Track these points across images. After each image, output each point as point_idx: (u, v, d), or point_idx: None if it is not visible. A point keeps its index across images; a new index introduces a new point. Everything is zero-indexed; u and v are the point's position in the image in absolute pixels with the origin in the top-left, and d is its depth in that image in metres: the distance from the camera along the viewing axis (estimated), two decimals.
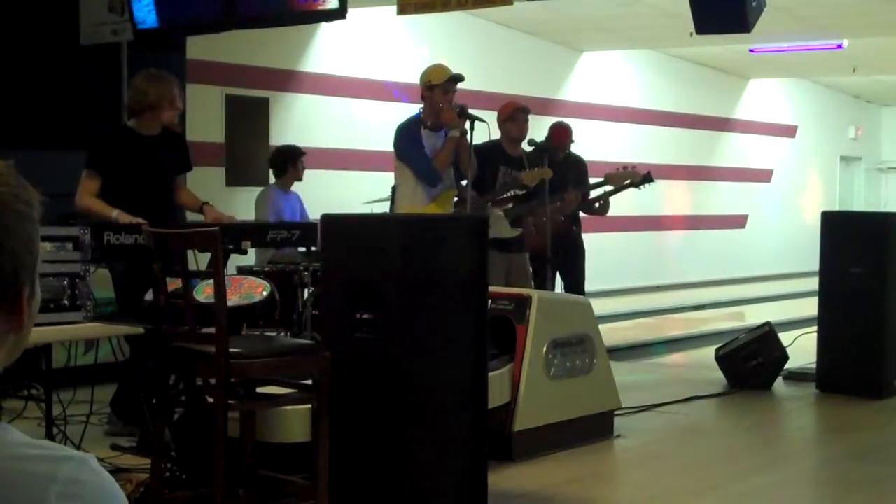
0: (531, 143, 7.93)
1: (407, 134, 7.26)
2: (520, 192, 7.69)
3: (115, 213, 5.96)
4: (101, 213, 6.01)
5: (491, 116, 7.72)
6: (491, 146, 7.66)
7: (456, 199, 7.37)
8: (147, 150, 6.33)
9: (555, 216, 8.12)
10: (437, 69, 7.30)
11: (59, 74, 8.74)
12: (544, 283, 7.94)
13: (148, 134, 6.37)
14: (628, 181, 8.53)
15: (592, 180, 8.67)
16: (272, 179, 9.27)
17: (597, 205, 8.70)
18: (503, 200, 7.67)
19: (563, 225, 8.41)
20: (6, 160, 1.32)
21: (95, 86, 8.73)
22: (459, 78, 7.22)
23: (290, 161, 8.96)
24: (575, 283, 8.68)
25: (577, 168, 8.71)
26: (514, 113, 7.87)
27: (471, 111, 7.16)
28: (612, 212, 8.88)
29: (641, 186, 8.60)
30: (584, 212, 8.75)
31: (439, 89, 7.16)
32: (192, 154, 6.79)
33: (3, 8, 8.52)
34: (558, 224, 8.25)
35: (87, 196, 6.17)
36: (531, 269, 8.00)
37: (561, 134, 8.76)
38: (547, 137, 8.63)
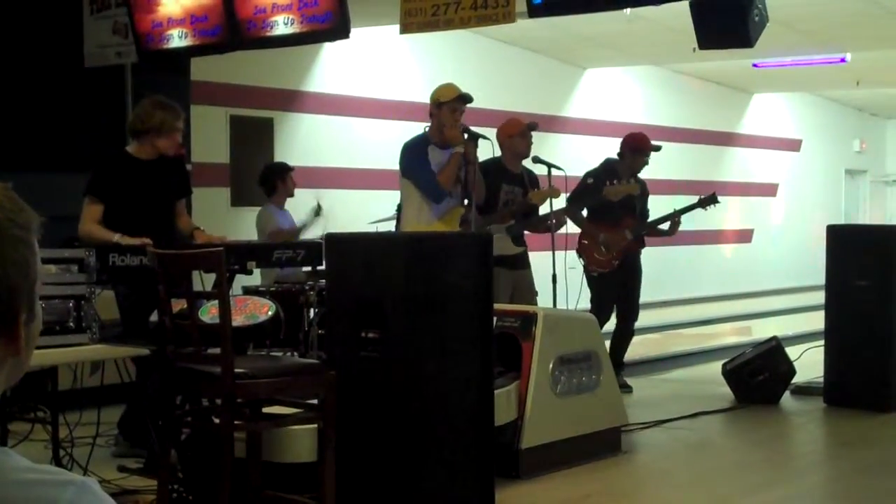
0: (535, 160, 7.90)
1: (413, 152, 7.28)
2: (514, 209, 7.69)
3: (117, 237, 5.96)
4: (103, 238, 6.01)
5: (494, 134, 7.73)
6: (492, 164, 7.67)
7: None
8: (146, 174, 6.34)
9: (614, 235, 8.27)
10: (447, 88, 7.33)
11: (64, 97, 8.77)
12: (606, 308, 8.16)
13: (146, 158, 6.38)
14: (696, 201, 8.66)
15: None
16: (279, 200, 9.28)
17: (665, 226, 8.69)
18: (504, 217, 7.68)
19: (629, 245, 8.50)
20: (4, 183, 1.32)
21: (100, 108, 8.76)
22: (468, 97, 7.23)
23: (279, 177, 8.90)
24: (631, 304, 8.74)
25: (643, 189, 8.68)
26: (523, 130, 7.86)
27: (473, 128, 7.18)
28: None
29: (707, 207, 8.68)
30: (649, 234, 8.75)
31: (447, 107, 7.18)
32: (197, 174, 6.82)
33: (7, 30, 8.56)
34: (625, 244, 8.44)
35: (90, 222, 6.17)
36: (595, 290, 8.14)
37: (640, 139, 8.73)
38: (622, 147, 8.63)
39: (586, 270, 8.55)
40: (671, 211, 8.70)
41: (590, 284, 8.58)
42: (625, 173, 8.33)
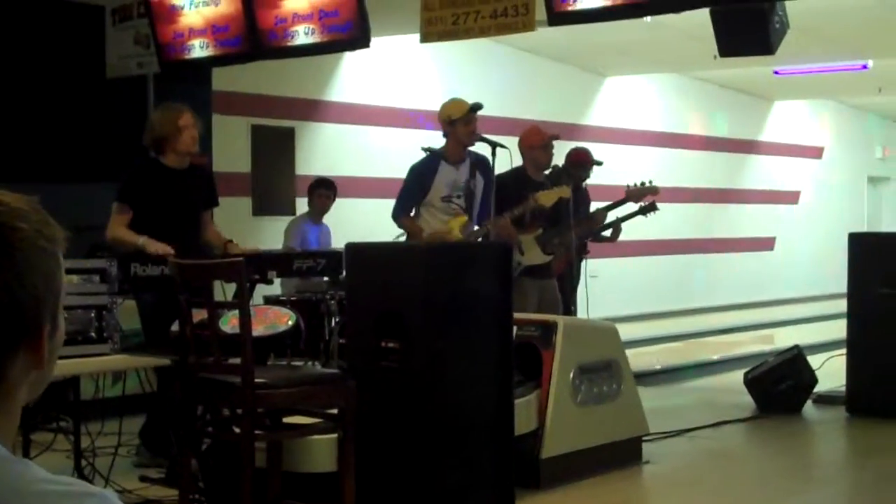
0: (554, 168, 7.90)
1: (412, 174, 7.50)
2: (517, 212, 7.62)
3: (142, 241, 5.99)
4: (129, 241, 6.05)
5: (514, 142, 7.73)
6: (515, 173, 7.66)
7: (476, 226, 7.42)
8: (175, 183, 6.37)
9: (565, 238, 8.15)
10: (455, 104, 7.38)
11: (86, 107, 8.82)
12: (567, 308, 7.93)
13: (176, 167, 6.41)
14: (637, 206, 8.50)
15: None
16: (301, 209, 9.49)
17: (607, 232, 8.69)
18: (533, 227, 7.64)
19: (578, 251, 8.41)
20: (30, 195, 1.33)
21: (122, 118, 8.81)
22: (478, 107, 7.28)
23: (312, 192, 9.34)
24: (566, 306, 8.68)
25: (585, 199, 8.71)
26: (547, 141, 7.85)
27: (491, 137, 7.19)
28: (638, 235, 8.88)
29: (648, 214, 8.59)
30: (593, 240, 8.74)
31: (461, 122, 7.24)
32: (219, 184, 6.82)
33: (31, 41, 8.61)
34: (575, 250, 8.27)
35: (117, 227, 6.21)
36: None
37: (582, 155, 8.77)
38: (567, 160, 8.65)
39: None
40: (614, 219, 8.66)
41: None
42: (561, 182, 8.27)
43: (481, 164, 7.41)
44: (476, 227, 7.44)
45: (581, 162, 8.70)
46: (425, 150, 7.54)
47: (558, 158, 8.20)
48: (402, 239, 7.51)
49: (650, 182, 8.42)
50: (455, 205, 7.37)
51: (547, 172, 7.92)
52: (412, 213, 7.46)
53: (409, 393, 4.85)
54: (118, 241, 6.10)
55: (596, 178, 8.89)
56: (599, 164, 8.79)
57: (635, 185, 8.48)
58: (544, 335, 6.25)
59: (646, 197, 8.45)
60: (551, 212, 7.57)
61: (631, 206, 8.53)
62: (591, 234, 8.61)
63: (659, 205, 8.62)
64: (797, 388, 8.32)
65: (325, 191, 9.25)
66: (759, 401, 8.37)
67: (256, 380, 4.46)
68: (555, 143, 8.00)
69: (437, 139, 7.60)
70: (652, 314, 15.85)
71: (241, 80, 10.84)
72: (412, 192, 7.46)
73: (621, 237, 8.84)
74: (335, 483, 4.73)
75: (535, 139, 7.87)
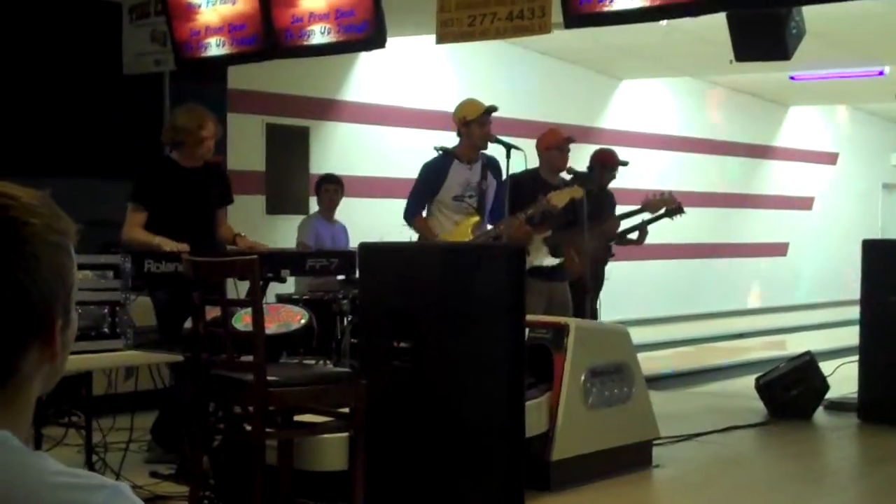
0: (569, 171, 7.87)
1: (424, 172, 7.55)
2: (531, 212, 7.58)
3: (158, 240, 6.03)
4: (145, 241, 6.08)
5: (529, 144, 7.73)
6: (529, 175, 7.65)
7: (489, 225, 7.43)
8: (189, 182, 6.38)
9: (599, 242, 8.12)
10: (470, 104, 7.41)
11: (102, 104, 8.85)
12: (583, 312, 7.89)
13: (190, 166, 6.42)
14: (664, 209, 8.52)
15: (629, 208, 8.65)
16: (315, 209, 9.49)
17: (633, 235, 8.68)
18: (541, 229, 7.62)
19: (602, 254, 8.38)
20: (41, 190, 1.34)
21: (138, 115, 8.84)
22: (493, 109, 7.31)
23: (317, 189, 9.35)
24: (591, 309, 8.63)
25: (611, 201, 8.69)
26: (562, 143, 7.84)
27: (506, 139, 7.19)
28: (651, 239, 8.85)
29: (674, 217, 8.58)
30: (618, 243, 8.72)
31: (475, 123, 7.29)
32: (233, 182, 6.84)
33: (48, 37, 8.65)
34: (599, 253, 8.24)
35: (132, 228, 6.23)
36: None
37: (607, 156, 8.74)
38: (592, 161, 8.63)
39: None
40: (640, 221, 8.64)
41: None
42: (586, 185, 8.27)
43: (492, 166, 7.45)
44: (489, 227, 7.45)
45: (607, 162, 8.68)
46: (438, 149, 7.56)
47: (576, 162, 8.18)
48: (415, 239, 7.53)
49: (669, 193, 8.43)
50: (467, 204, 7.38)
51: (569, 177, 7.87)
52: (424, 213, 7.48)
53: (420, 393, 4.86)
54: (134, 243, 6.12)
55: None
56: (625, 164, 8.77)
57: (654, 195, 8.50)
58: (556, 337, 6.25)
59: (661, 208, 8.45)
60: (564, 213, 7.54)
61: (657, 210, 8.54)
62: (614, 238, 8.60)
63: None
64: (809, 394, 8.31)
65: (331, 185, 9.21)
66: (771, 406, 8.36)
67: (268, 378, 4.47)
68: (571, 146, 7.99)
69: (450, 140, 7.61)
70: (664, 318, 15.83)
71: (257, 79, 10.86)
72: (424, 190, 7.48)
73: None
74: (346, 482, 4.74)
75: (552, 140, 7.87)
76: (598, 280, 8.49)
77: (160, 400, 6.33)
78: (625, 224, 8.67)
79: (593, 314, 8.47)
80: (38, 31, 8.67)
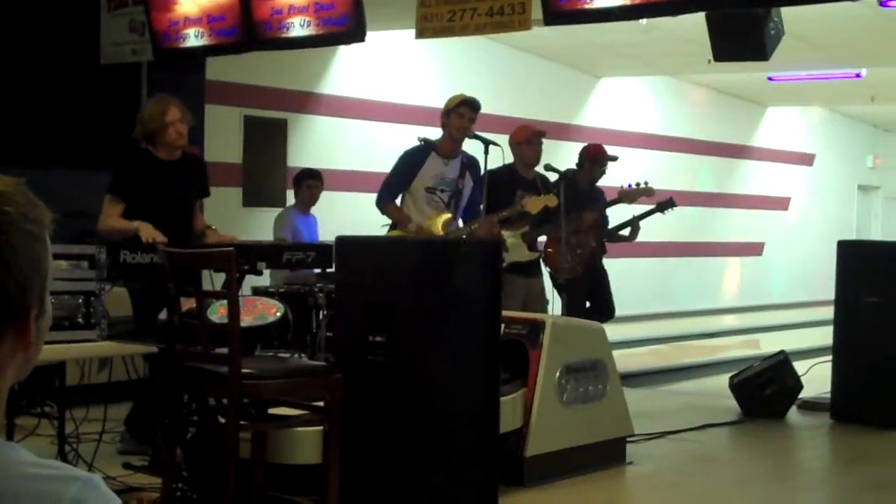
0: (549, 168, 7.87)
1: (403, 158, 7.55)
2: (505, 214, 7.58)
3: (136, 224, 5.97)
4: (122, 228, 6.03)
5: (507, 140, 7.75)
6: (505, 170, 7.67)
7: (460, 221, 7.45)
8: (166, 174, 6.35)
9: (592, 238, 8.16)
10: (454, 96, 7.43)
11: (79, 93, 8.80)
12: (578, 310, 7.92)
13: (167, 159, 6.39)
14: (655, 204, 8.53)
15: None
16: (291, 201, 9.45)
17: (625, 231, 8.67)
18: (518, 225, 7.64)
19: (593, 251, 8.40)
20: (17, 178, 1.33)
21: (115, 105, 8.79)
22: (471, 101, 7.30)
23: (299, 183, 9.30)
24: (604, 301, 8.65)
25: (601, 197, 8.69)
26: (531, 137, 7.87)
27: (484, 135, 7.20)
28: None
29: (666, 211, 8.61)
30: (610, 240, 8.72)
31: (453, 114, 7.31)
32: (210, 174, 6.81)
33: (24, 26, 8.59)
34: (589, 250, 8.26)
35: (109, 217, 6.18)
36: (565, 295, 7.97)
37: (597, 150, 8.73)
38: (582, 156, 8.63)
39: (553, 277, 8.37)
40: (631, 217, 8.66)
41: (559, 290, 8.40)
42: (584, 182, 8.32)
43: (472, 167, 7.46)
44: (461, 225, 7.45)
45: (596, 157, 8.68)
46: (420, 139, 7.57)
47: (556, 159, 8.18)
48: (388, 228, 7.53)
49: (645, 183, 8.41)
50: (438, 198, 7.39)
51: (549, 173, 7.87)
52: (398, 202, 7.49)
53: (395, 387, 4.86)
54: (111, 231, 6.06)
55: None
56: (615, 159, 8.75)
57: (629, 185, 8.49)
58: (531, 334, 6.26)
59: (640, 198, 8.44)
60: (538, 217, 7.59)
61: (649, 205, 8.55)
62: (607, 235, 8.61)
63: (647, 207, 8.63)
64: (782, 393, 8.35)
65: (312, 181, 9.24)
66: (744, 405, 8.39)
67: (243, 370, 4.46)
68: (547, 142, 8.01)
69: (429, 134, 7.62)
70: (640, 316, 15.86)
71: (235, 71, 10.83)
72: (399, 178, 7.49)
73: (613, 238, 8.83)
74: (319, 475, 4.73)
75: (522, 135, 7.91)
76: (600, 274, 8.54)
77: (134, 391, 6.30)
78: (616, 221, 8.67)
79: (609, 307, 8.52)
80: (14, 18, 8.62)
